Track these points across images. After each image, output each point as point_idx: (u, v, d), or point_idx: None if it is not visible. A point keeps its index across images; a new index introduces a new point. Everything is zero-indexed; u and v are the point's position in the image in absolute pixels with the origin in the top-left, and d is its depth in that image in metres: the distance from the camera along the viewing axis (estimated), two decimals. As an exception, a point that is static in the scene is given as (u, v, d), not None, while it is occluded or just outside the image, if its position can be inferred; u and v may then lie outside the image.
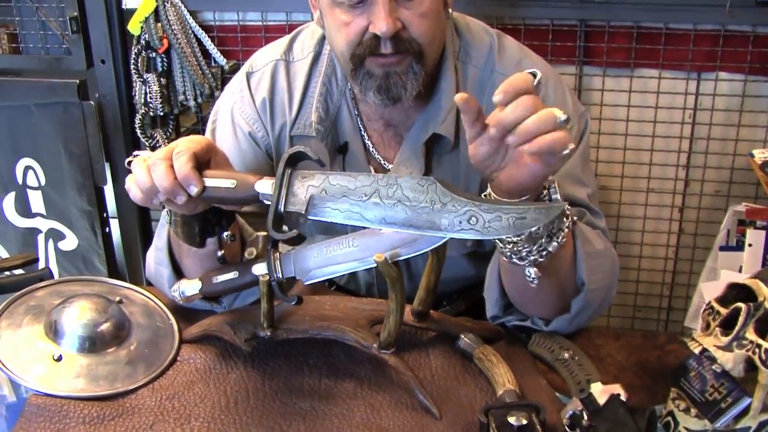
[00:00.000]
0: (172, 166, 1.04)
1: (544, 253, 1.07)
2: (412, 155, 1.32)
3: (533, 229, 0.99)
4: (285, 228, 1.02)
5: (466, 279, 1.44)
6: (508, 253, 1.08)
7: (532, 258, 1.07)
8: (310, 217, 1.00)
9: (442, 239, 1.04)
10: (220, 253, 1.16)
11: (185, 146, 1.06)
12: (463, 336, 1.17)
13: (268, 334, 1.15)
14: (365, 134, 1.37)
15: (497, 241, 1.08)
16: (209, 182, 1.05)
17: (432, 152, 1.33)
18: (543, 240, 1.06)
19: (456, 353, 1.17)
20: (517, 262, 1.08)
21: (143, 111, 2.15)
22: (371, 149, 1.37)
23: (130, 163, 1.08)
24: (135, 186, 1.07)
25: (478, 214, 0.94)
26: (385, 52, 1.19)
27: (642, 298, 2.27)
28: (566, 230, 1.07)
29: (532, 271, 1.08)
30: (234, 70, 2.16)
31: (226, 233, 1.16)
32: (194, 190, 1.04)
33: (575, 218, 1.13)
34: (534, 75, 0.95)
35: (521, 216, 0.93)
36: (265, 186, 1.03)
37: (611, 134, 2.10)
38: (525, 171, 0.97)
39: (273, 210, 1.01)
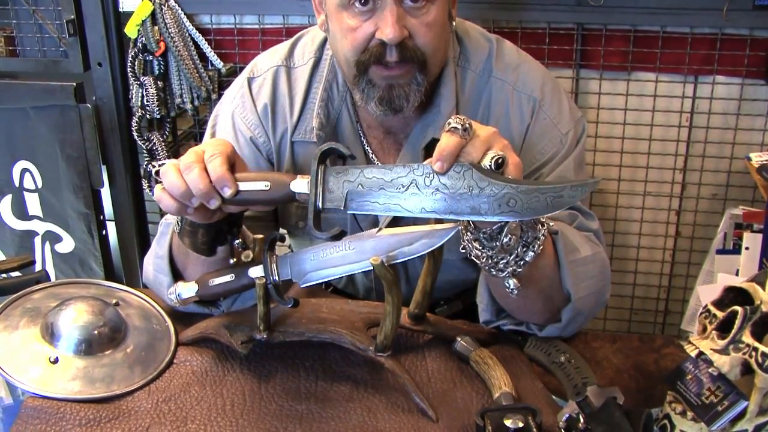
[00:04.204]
0: (205, 169, 1.04)
1: (522, 263, 1.06)
2: (411, 161, 1.32)
3: (505, 240, 1.02)
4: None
5: (463, 283, 1.44)
6: (486, 267, 1.08)
7: (510, 269, 1.07)
8: (349, 212, 1.01)
9: (439, 242, 1.05)
10: (232, 261, 1.17)
11: (217, 149, 1.06)
12: (459, 339, 1.17)
13: (265, 336, 1.15)
14: (365, 141, 1.37)
15: (472, 252, 1.08)
16: (243, 185, 1.05)
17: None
18: (519, 250, 1.05)
19: (452, 356, 1.18)
20: (496, 274, 1.08)
21: (140, 114, 2.15)
22: (371, 156, 1.38)
23: (157, 173, 1.07)
24: (167, 195, 1.06)
25: (516, 196, 0.95)
26: (390, 60, 1.20)
27: (639, 301, 2.27)
28: (542, 238, 1.06)
29: (511, 283, 1.07)
30: (231, 73, 2.16)
31: (237, 241, 1.17)
32: (228, 192, 1.04)
33: (555, 227, 1.13)
34: None
35: (558, 195, 0.94)
36: (300, 185, 1.03)
37: (608, 137, 2.10)
38: None
39: (312, 209, 1.01)
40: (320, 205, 1.01)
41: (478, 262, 1.08)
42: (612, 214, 2.18)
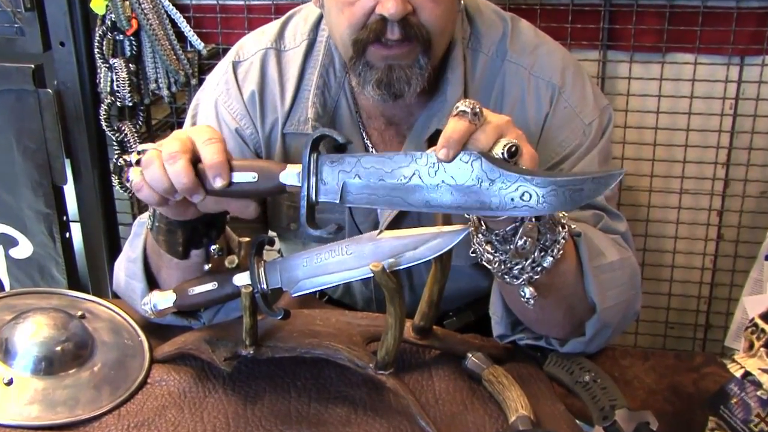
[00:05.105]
0: (191, 161, 1.05)
1: (539, 269, 1.07)
2: None
3: (520, 243, 1.02)
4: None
5: (475, 292, 1.45)
6: (499, 273, 1.09)
7: (526, 276, 1.07)
8: (346, 206, 1.01)
9: (447, 246, 1.06)
10: (206, 267, 1.17)
11: (214, 133, 1.07)
12: (470, 355, 1.18)
13: (251, 352, 1.16)
14: (364, 132, 1.39)
15: (483, 256, 1.08)
16: (235, 176, 1.05)
17: None
18: (536, 254, 1.06)
19: (462, 374, 1.18)
20: (510, 281, 1.09)
21: (109, 101, 2.15)
22: (371, 149, 1.39)
23: (138, 161, 1.07)
24: (147, 186, 1.07)
25: (530, 189, 0.95)
26: (391, 38, 1.20)
27: (675, 313, 2.27)
28: (562, 241, 1.07)
29: (527, 291, 1.08)
30: (213, 55, 2.17)
31: (214, 246, 1.17)
32: (220, 182, 1.04)
33: (577, 229, 1.13)
34: None
35: (578, 188, 0.94)
36: (291, 176, 1.04)
37: (639, 128, 2.11)
38: None
39: (305, 203, 1.02)
40: (314, 198, 1.02)
41: (490, 267, 1.08)
42: (644, 214, 2.18)
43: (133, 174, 1.08)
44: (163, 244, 1.17)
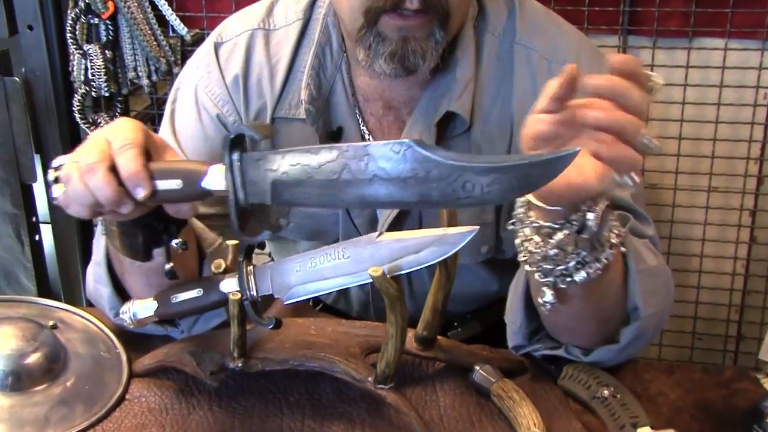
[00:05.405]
0: (111, 169, 1.03)
1: (569, 280, 1.07)
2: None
3: (550, 253, 1.01)
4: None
5: (483, 297, 1.46)
6: (528, 262, 1.08)
7: (552, 279, 1.07)
8: (277, 204, 1.01)
9: (453, 249, 1.06)
10: (168, 266, 1.15)
11: (127, 136, 1.04)
12: (478, 367, 1.19)
13: (239, 365, 1.16)
14: (360, 118, 1.40)
15: (519, 235, 1.08)
16: (158, 183, 1.04)
17: (440, 135, 1.35)
18: (570, 265, 1.06)
19: (470, 389, 1.19)
20: (537, 276, 1.08)
21: (83, 91, 2.15)
22: (368, 137, 1.40)
23: (56, 179, 1.06)
24: (73, 202, 1.05)
25: (471, 178, 0.93)
26: (410, 7, 1.21)
27: (703, 323, 2.28)
28: (605, 262, 1.06)
29: (548, 294, 1.08)
30: (197, 41, 2.16)
31: (175, 241, 1.14)
32: (141, 193, 1.02)
33: (624, 233, 1.11)
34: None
35: (524, 173, 0.91)
36: (215, 179, 1.02)
37: (663, 120, 2.11)
38: (589, 176, 0.98)
39: (234, 206, 1.01)
40: (242, 199, 1.01)
41: (521, 252, 1.07)
42: (668, 215, 2.19)
43: (56, 191, 1.06)
44: (121, 249, 1.16)
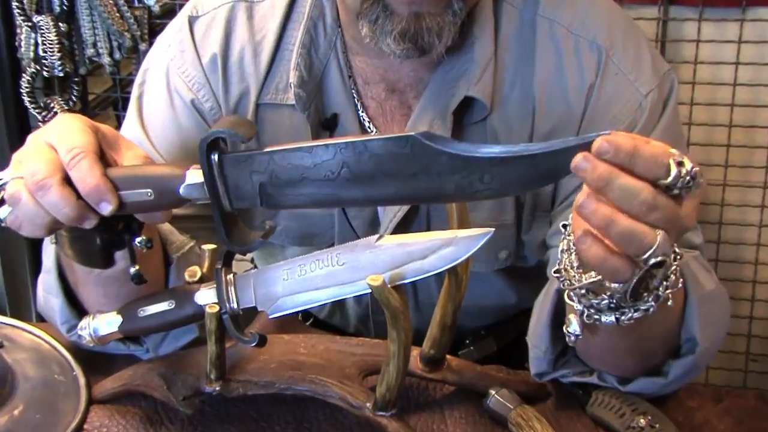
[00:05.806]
0: (65, 181, 1.03)
1: (597, 316, 1.02)
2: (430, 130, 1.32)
3: (582, 290, 1.00)
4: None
5: (500, 309, 1.47)
6: (561, 279, 1.04)
7: (581, 307, 1.02)
8: (268, 209, 1.01)
9: (465, 255, 1.06)
10: (133, 269, 1.14)
11: (76, 141, 1.04)
12: (493, 392, 1.19)
13: (217, 389, 1.17)
14: (359, 104, 1.41)
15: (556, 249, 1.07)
16: (124, 193, 1.04)
17: (456, 122, 1.35)
18: (603, 303, 1.01)
19: (483, 416, 1.20)
20: (572, 303, 1.04)
21: (33, 69, 2.15)
22: (367, 125, 1.41)
23: (1, 200, 1.06)
24: (26, 223, 1.06)
25: (490, 169, 0.93)
26: None
27: (759, 342, 2.27)
28: (643, 313, 1.01)
29: (573, 322, 1.03)
30: (167, 12, 2.17)
31: (138, 239, 1.13)
32: (108, 208, 1.03)
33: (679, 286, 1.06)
34: None
35: (551, 162, 0.92)
36: (195, 188, 1.03)
37: (710, 105, 2.12)
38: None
39: (219, 215, 1.02)
40: (227, 206, 1.02)
41: (555, 271, 1.04)
42: (716, 215, 2.19)
43: (3, 213, 1.06)
44: (74, 257, 1.16)
